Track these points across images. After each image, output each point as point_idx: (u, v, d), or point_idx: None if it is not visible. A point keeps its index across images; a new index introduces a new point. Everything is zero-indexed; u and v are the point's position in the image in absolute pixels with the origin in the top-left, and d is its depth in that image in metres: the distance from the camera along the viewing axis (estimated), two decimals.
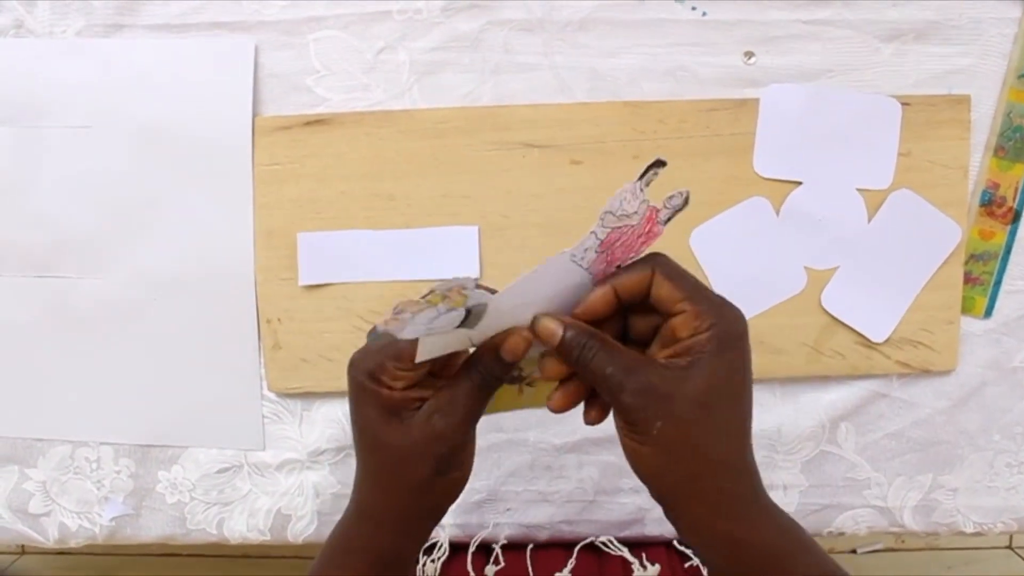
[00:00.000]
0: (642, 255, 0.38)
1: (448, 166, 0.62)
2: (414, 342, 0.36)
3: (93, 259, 0.64)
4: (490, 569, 0.64)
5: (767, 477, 0.65)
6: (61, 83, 0.63)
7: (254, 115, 0.62)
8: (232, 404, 0.65)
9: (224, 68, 0.62)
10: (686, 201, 0.37)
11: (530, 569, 0.63)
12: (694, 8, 0.61)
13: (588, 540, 0.66)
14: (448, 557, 0.65)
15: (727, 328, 0.36)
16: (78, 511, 0.67)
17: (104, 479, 0.67)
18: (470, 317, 0.35)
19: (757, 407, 0.66)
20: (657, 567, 0.63)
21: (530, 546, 0.65)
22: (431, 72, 0.63)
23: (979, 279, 0.63)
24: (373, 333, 0.32)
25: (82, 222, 0.64)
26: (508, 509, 0.66)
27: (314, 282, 0.63)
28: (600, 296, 0.38)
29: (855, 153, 0.62)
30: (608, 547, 0.65)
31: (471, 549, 0.65)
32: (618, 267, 0.38)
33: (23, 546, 1.21)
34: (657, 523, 0.66)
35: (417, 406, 0.39)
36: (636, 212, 0.37)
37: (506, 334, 0.38)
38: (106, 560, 1.25)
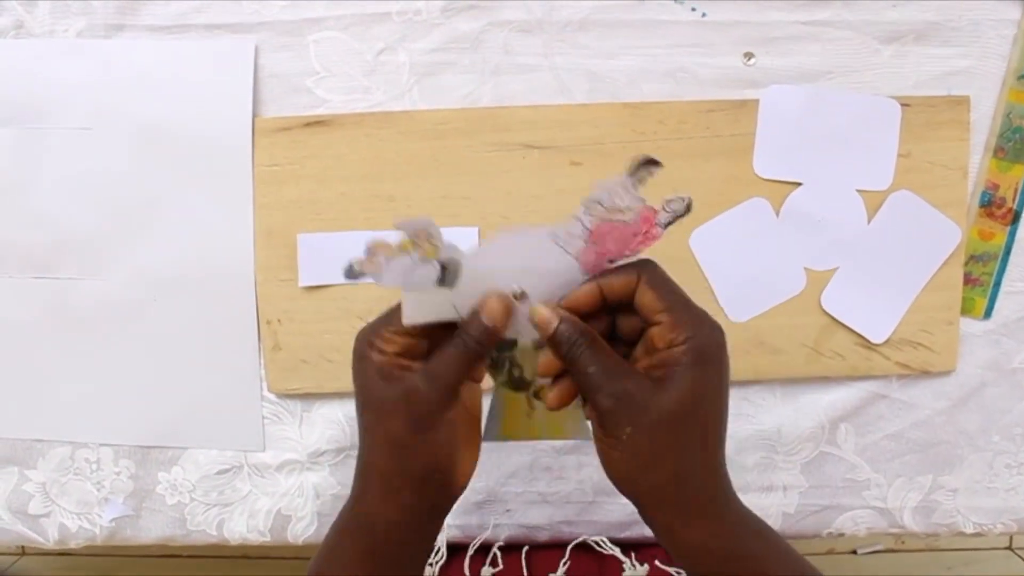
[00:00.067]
0: (638, 255, 0.39)
1: (448, 167, 0.62)
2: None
3: (93, 259, 0.64)
4: (487, 571, 0.64)
5: (767, 478, 0.66)
6: (61, 84, 0.63)
7: (254, 116, 0.62)
8: (232, 405, 0.65)
9: (224, 69, 0.62)
10: (688, 208, 0.38)
11: (525, 570, 0.63)
12: (694, 9, 0.61)
13: (580, 539, 0.66)
14: (446, 560, 0.65)
15: (703, 342, 0.37)
16: (78, 512, 0.67)
17: (104, 480, 0.67)
18: (447, 275, 0.37)
19: (757, 407, 0.67)
20: (646, 567, 0.63)
21: (525, 548, 0.65)
22: (431, 73, 0.63)
23: (979, 280, 0.63)
24: (348, 270, 0.36)
25: (82, 222, 0.64)
26: (508, 510, 0.66)
27: (314, 283, 0.63)
28: (585, 292, 0.39)
29: (855, 154, 0.62)
30: (601, 546, 0.65)
31: (470, 552, 0.65)
32: (610, 262, 0.39)
33: (23, 547, 1.21)
34: None
35: (408, 370, 0.40)
36: (630, 209, 0.37)
37: (485, 297, 0.39)
38: (106, 561, 1.25)
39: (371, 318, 0.42)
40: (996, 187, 0.62)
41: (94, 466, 0.67)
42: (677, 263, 0.62)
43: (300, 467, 0.66)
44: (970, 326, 0.64)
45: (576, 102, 0.62)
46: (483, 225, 0.62)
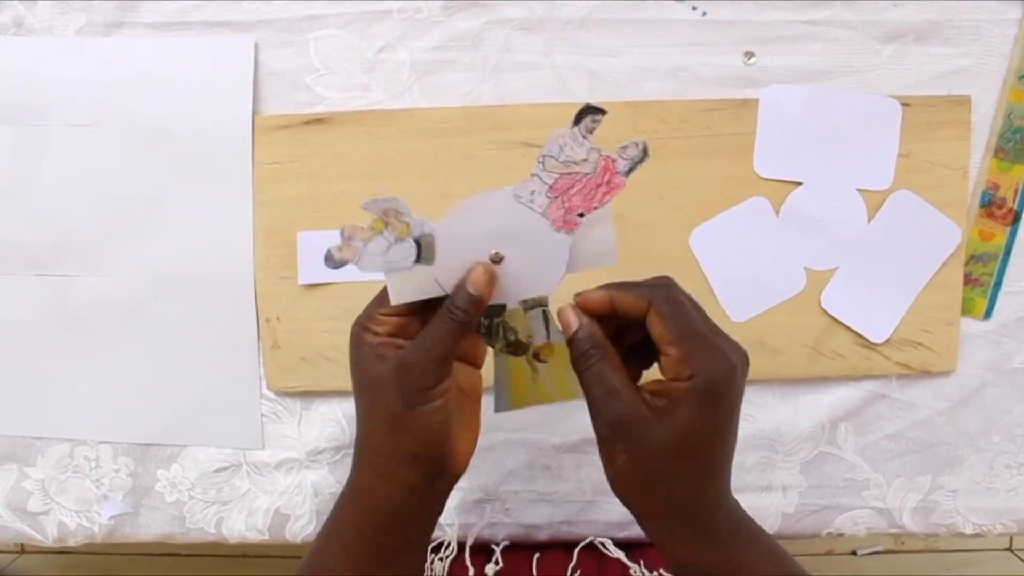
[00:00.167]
0: (606, 205, 0.39)
1: (448, 166, 0.62)
2: None
3: (93, 258, 0.64)
4: (490, 568, 0.64)
5: (766, 478, 0.65)
6: (61, 82, 0.63)
7: (254, 113, 0.62)
8: (231, 403, 0.65)
9: (224, 66, 0.62)
10: (645, 152, 0.39)
11: (535, 572, 0.63)
12: (694, 8, 0.61)
13: (587, 541, 0.66)
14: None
15: (710, 378, 0.37)
16: (77, 510, 0.67)
17: (103, 478, 0.67)
18: (423, 251, 0.38)
19: (757, 407, 0.66)
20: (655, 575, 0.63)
21: (536, 555, 0.65)
22: (431, 71, 0.63)
23: (979, 280, 0.63)
24: (328, 258, 0.38)
25: (82, 221, 0.64)
26: (507, 509, 0.66)
27: (313, 281, 0.63)
28: (596, 298, 0.40)
29: (855, 154, 0.62)
30: (606, 549, 0.65)
31: (467, 547, 0.65)
32: (581, 215, 0.39)
33: (22, 545, 1.21)
34: None
35: (401, 348, 0.40)
36: (586, 160, 0.38)
37: (470, 269, 0.40)
38: (105, 559, 1.26)
39: None
40: (996, 187, 0.62)
41: (93, 464, 0.67)
42: (677, 263, 0.62)
43: (299, 465, 0.66)
44: (970, 326, 0.64)
45: (577, 101, 0.62)
46: None
